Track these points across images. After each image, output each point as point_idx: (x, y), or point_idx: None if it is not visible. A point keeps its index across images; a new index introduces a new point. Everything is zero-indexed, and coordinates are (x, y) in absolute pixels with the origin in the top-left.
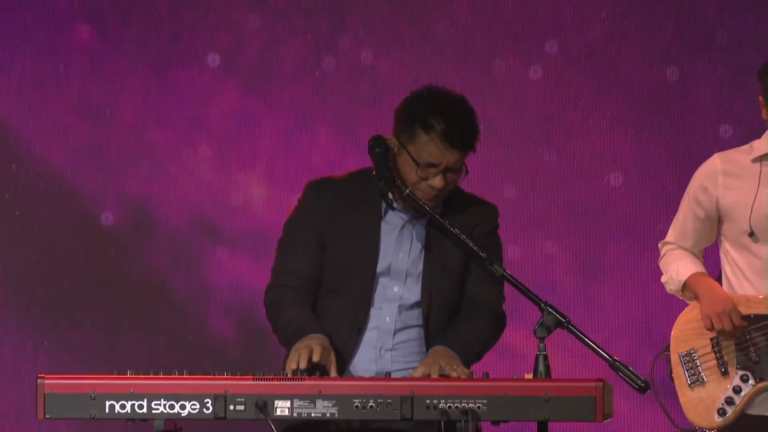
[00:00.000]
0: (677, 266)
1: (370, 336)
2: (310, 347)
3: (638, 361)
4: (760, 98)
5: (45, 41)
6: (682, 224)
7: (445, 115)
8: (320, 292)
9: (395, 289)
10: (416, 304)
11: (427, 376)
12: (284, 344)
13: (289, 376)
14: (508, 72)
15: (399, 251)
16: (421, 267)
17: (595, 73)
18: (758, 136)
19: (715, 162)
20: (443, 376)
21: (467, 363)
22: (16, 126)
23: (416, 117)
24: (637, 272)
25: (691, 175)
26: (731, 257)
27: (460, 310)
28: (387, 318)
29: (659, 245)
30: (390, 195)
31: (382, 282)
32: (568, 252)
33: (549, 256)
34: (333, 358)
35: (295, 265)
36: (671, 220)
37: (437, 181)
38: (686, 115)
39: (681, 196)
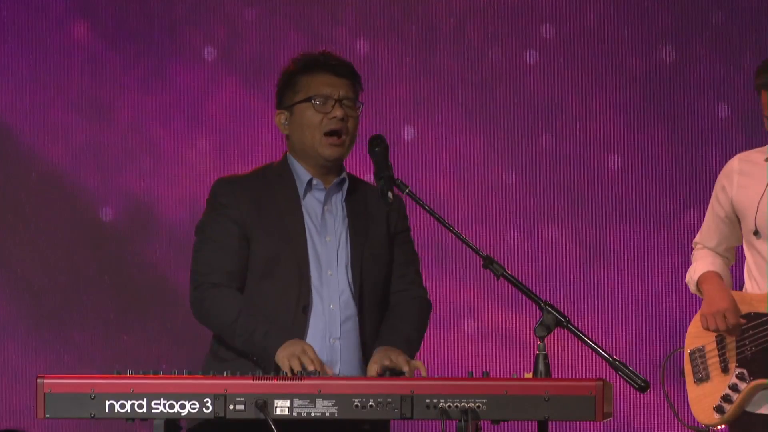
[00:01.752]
0: (695, 266)
1: (317, 323)
2: (305, 352)
3: (642, 344)
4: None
5: (42, 40)
6: (707, 224)
7: (318, 55)
8: (250, 279)
9: (329, 273)
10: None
11: (385, 371)
12: (248, 349)
13: (290, 375)
14: (505, 58)
15: (325, 234)
16: (348, 250)
17: (591, 56)
18: (756, 115)
19: (734, 162)
20: (392, 370)
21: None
22: (15, 124)
23: (295, 72)
24: (639, 255)
25: (690, 155)
26: (746, 256)
27: (390, 301)
28: (331, 305)
29: (693, 244)
30: (390, 195)
31: (316, 266)
32: (569, 236)
33: (550, 241)
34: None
35: (222, 262)
36: (671, 201)
37: (338, 111)
38: (684, 95)
39: (680, 177)
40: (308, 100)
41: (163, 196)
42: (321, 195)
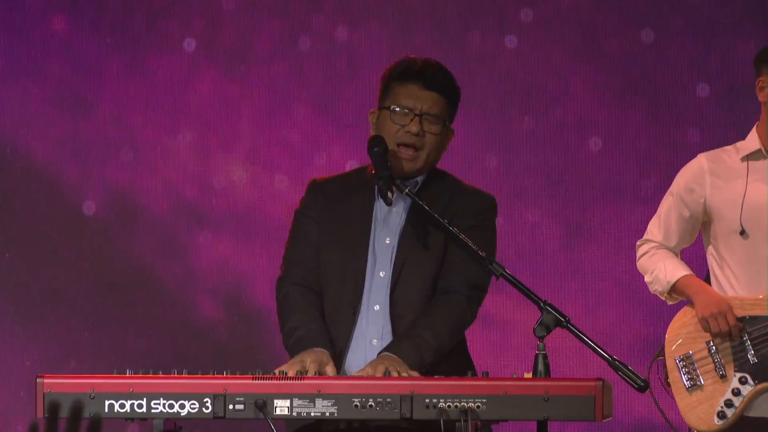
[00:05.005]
0: (664, 267)
1: (361, 324)
2: (304, 364)
3: (626, 323)
4: (760, 79)
5: (20, 33)
6: (666, 223)
7: (418, 64)
8: (321, 277)
9: (381, 274)
10: None
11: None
12: (286, 350)
13: (288, 375)
14: (484, 42)
15: (386, 236)
16: (396, 252)
17: (570, 39)
18: (734, 93)
19: (702, 162)
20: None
21: (421, 365)
22: None
23: (392, 75)
24: (621, 235)
25: (670, 135)
26: (722, 258)
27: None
28: (376, 307)
29: (638, 243)
30: (389, 194)
31: (371, 267)
32: (549, 218)
33: (531, 223)
34: (331, 368)
35: (300, 256)
36: (652, 181)
37: (414, 126)
38: (663, 76)
39: (661, 157)
40: (390, 108)
41: (145, 187)
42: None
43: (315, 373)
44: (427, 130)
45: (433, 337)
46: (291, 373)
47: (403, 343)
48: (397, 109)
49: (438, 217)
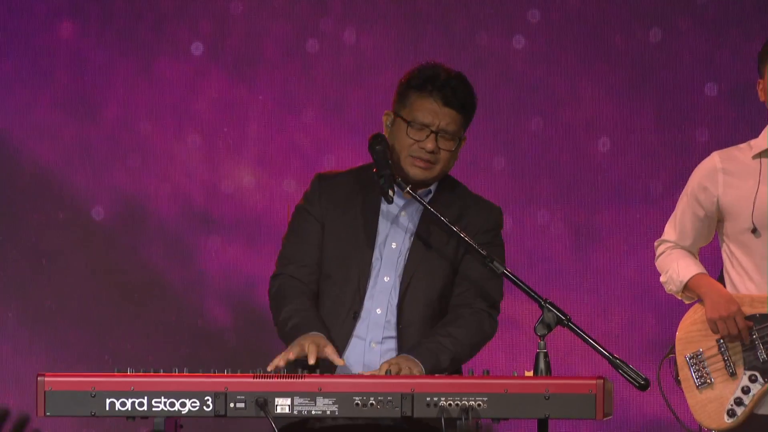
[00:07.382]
0: (677, 266)
1: (362, 326)
2: (303, 347)
3: (637, 325)
4: (760, 81)
5: (28, 40)
6: (681, 222)
7: (440, 76)
8: (320, 278)
9: (386, 278)
10: None
11: (388, 373)
12: (282, 339)
13: (285, 373)
14: (492, 43)
15: (392, 240)
16: (406, 259)
17: (578, 40)
18: (743, 92)
19: (715, 160)
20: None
21: (437, 367)
22: (3, 125)
23: (412, 83)
24: (631, 236)
25: (679, 134)
26: (734, 256)
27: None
28: (378, 310)
29: (655, 243)
30: (390, 193)
31: (375, 271)
32: (559, 220)
33: (540, 225)
34: (330, 349)
35: (298, 254)
36: (662, 181)
37: (429, 143)
38: (671, 76)
39: (670, 157)
40: (407, 121)
41: (154, 192)
42: (401, 201)
43: (314, 370)
44: (442, 147)
45: (451, 343)
46: (291, 356)
47: (421, 346)
48: (414, 124)
49: (451, 225)
